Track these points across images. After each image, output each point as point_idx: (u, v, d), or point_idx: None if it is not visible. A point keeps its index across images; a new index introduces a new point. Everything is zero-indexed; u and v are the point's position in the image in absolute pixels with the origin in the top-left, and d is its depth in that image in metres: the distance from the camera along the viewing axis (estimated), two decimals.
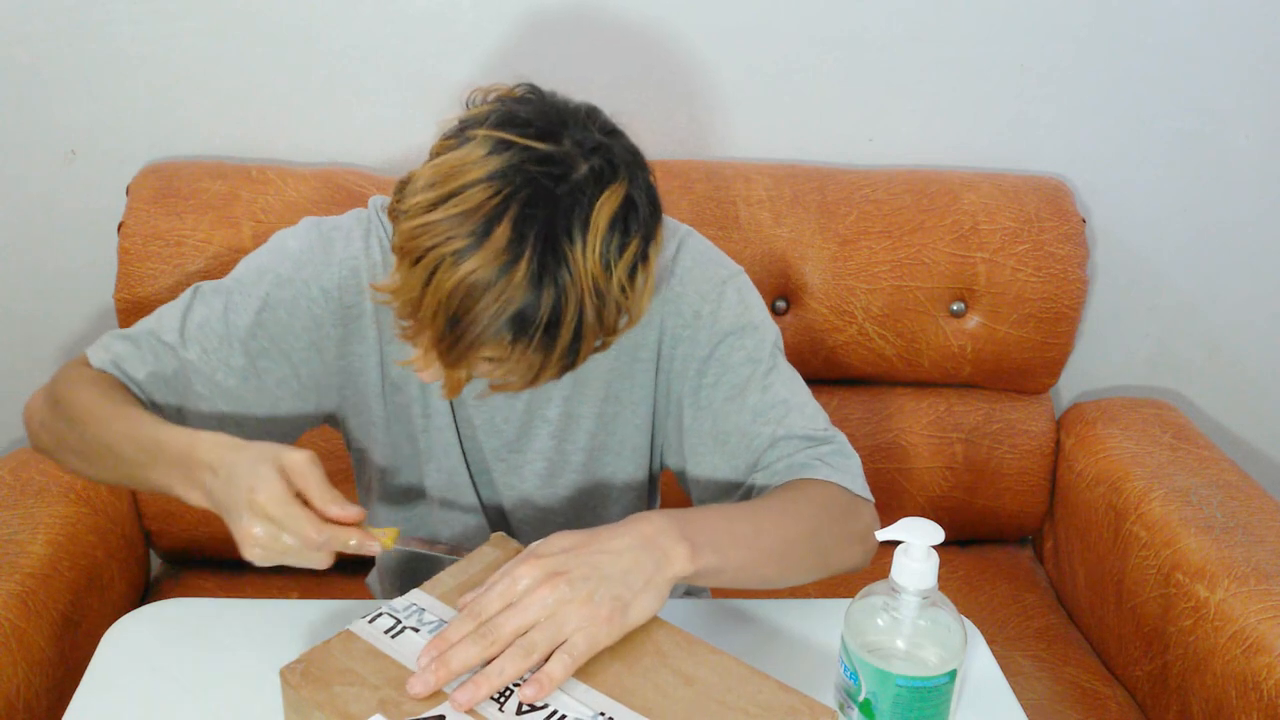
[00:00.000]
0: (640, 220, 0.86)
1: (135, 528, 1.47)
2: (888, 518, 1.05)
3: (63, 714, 0.88)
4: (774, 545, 0.89)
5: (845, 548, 0.96)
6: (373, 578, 1.31)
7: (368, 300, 1.01)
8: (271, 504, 0.79)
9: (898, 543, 0.85)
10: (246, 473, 0.80)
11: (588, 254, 0.82)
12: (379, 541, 0.84)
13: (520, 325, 0.82)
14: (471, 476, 1.09)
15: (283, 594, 1.47)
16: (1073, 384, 1.77)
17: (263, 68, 1.49)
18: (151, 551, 1.53)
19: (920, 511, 1.56)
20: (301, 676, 0.78)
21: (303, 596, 1.45)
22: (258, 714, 0.87)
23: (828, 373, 1.55)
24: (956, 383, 1.60)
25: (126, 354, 0.98)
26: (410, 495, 1.13)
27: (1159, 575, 1.35)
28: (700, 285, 1.02)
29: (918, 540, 0.84)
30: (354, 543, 0.82)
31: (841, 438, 1.02)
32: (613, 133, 0.88)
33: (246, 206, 1.41)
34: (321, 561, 0.83)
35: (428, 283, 0.81)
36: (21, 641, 1.14)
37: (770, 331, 1.04)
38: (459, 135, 0.85)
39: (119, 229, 1.41)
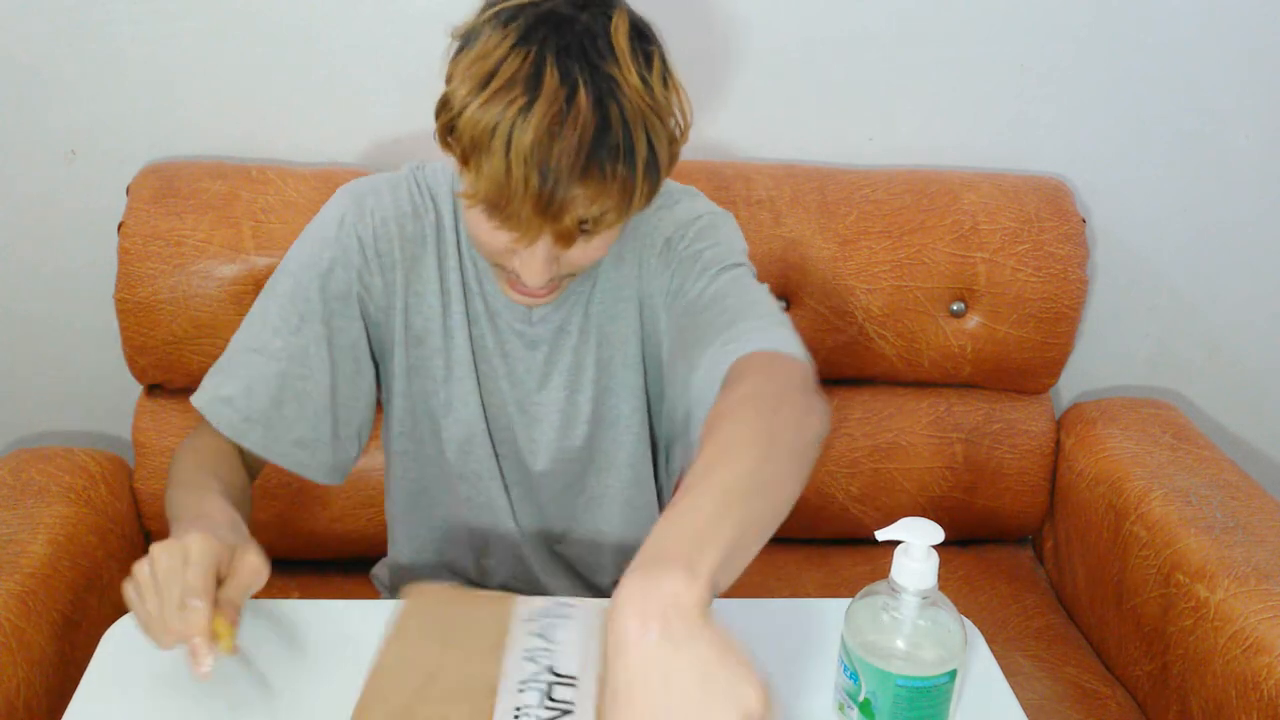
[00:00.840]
0: (648, 35, 0.93)
1: (135, 528, 1.47)
2: (888, 518, 1.05)
3: (63, 714, 0.88)
4: (742, 486, 0.75)
5: (812, 417, 0.85)
6: (380, 568, 1.31)
7: (397, 249, 1.05)
8: (196, 546, 0.80)
9: (898, 543, 0.85)
10: (209, 536, 0.82)
11: (626, 73, 0.87)
12: (212, 657, 0.79)
13: (605, 149, 0.86)
14: (489, 426, 1.11)
15: (283, 594, 1.46)
16: (1073, 384, 1.77)
17: (263, 68, 1.49)
18: None
19: (920, 511, 1.56)
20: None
21: (303, 596, 1.45)
22: (258, 714, 0.87)
23: (828, 373, 1.55)
24: (956, 383, 1.60)
25: (224, 386, 1.04)
26: (427, 456, 1.14)
27: (1159, 575, 1.35)
28: (675, 220, 1.06)
29: (918, 540, 0.84)
30: (197, 640, 0.78)
31: (779, 315, 0.98)
32: None
33: (246, 206, 1.41)
34: (164, 635, 0.79)
35: (507, 154, 0.85)
36: (21, 641, 1.14)
37: (733, 255, 1.03)
38: (466, 40, 0.90)
39: (119, 229, 1.41)
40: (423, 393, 1.11)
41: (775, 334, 0.93)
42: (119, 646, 0.95)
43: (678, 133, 0.93)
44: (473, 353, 1.08)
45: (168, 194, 1.41)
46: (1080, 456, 1.57)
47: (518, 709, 0.77)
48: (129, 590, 0.81)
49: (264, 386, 1.03)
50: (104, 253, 1.45)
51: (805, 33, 1.53)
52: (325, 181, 1.43)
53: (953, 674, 0.85)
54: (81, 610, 1.27)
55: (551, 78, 0.85)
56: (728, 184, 1.49)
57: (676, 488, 1.01)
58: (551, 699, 0.79)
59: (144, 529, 1.49)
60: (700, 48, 1.53)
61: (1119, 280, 1.71)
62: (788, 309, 1.51)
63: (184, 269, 1.39)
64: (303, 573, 1.51)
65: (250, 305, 1.39)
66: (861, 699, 0.86)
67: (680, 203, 1.08)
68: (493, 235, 0.92)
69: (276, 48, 1.48)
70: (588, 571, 1.22)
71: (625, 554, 1.19)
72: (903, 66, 1.57)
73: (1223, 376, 1.79)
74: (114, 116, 1.50)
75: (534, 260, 0.93)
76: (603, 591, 1.22)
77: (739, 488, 0.74)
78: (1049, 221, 1.52)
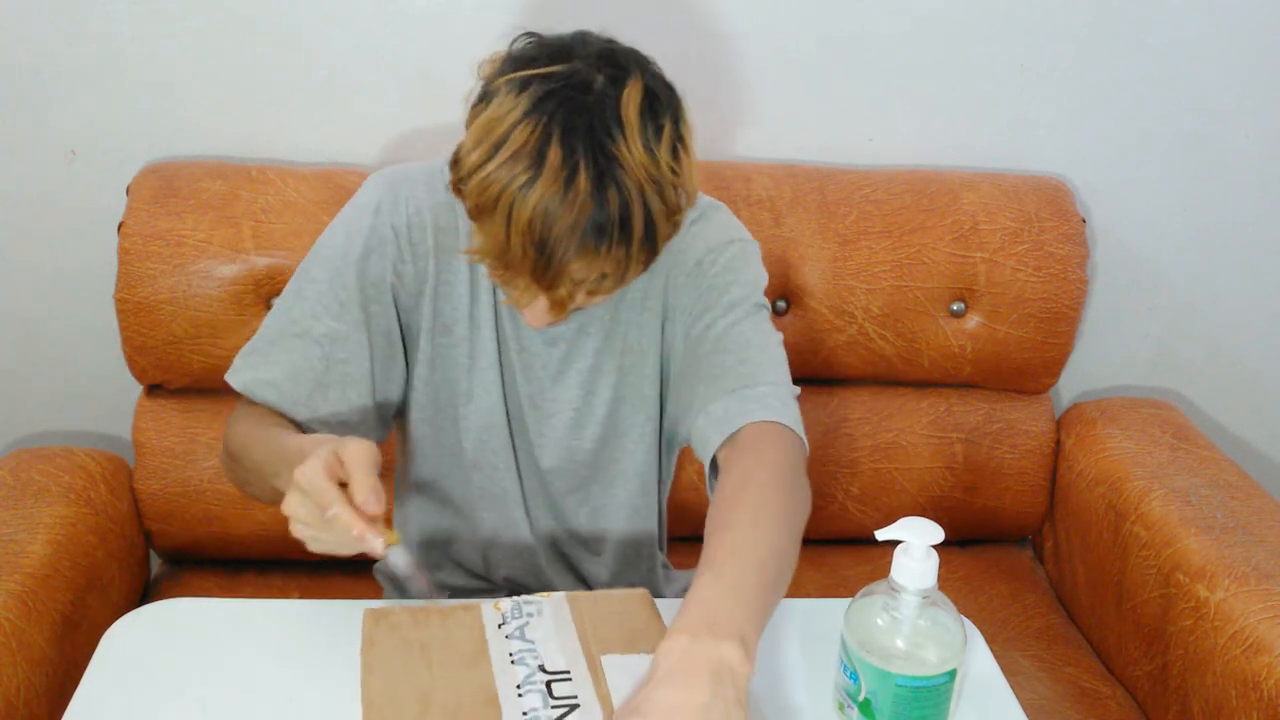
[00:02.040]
0: (664, 104, 0.93)
1: (135, 528, 1.47)
2: (888, 518, 1.05)
3: (63, 714, 0.88)
4: (778, 565, 0.87)
5: (805, 502, 0.95)
6: (383, 565, 1.31)
7: (430, 238, 1.07)
8: (304, 477, 0.83)
9: (898, 543, 0.85)
10: (309, 456, 0.84)
11: (632, 148, 0.89)
12: (382, 540, 0.84)
13: (599, 230, 0.89)
14: (508, 418, 1.13)
15: (283, 594, 1.47)
16: (1073, 384, 1.77)
17: (263, 68, 1.49)
18: (151, 551, 1.53)
19: (920, 511, 1.55)
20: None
21: (303, 596, 1.45)
22: (258, 714, 0.88)
23: (828, 373, 1.55)
24: (956, 383, 1.60)
25: (262, 368, 1.05)
26: (444, 446, 1.15)
27: (1159, 575, 1.35)
28: (707, 241, 1.09)
29: (918, 540, 0.84)
30: (355, 532, 0.83)
31: (788, 383, 1.04)
32: (610, 42, 0.96)
33: (246, 206, 1.41)
34: (346, 548, 0.85)
35: (508, 224, 0.89)
36: (21, 641, 1.14)
37: (757, 294, 1.09)
38: (484, 97, 0.93)
39: (119, 229, 1.41)
40: (446, 380, 1.12)
41: (790, 409, 1.00)
42: (119, 646, 0.95)
43: (682, 202, 0.95)
44: (498, 344, 1.10)
45: (168, 194, 1.41)
46: (1080, 456, 1.57)
47: (525, 713, 0.78)
48: (292, 524, 0.85)
49: (309, 371, 1.05)
50: (104, 253, 1.45)
51: (805, 33, 1.53)
52: (325, 181, 1.43)
53: (953, 674, 0.85)
54: (81, 610, 1.27)
55: (555, 155, 0.87)
56: (728, 184, 1.49)
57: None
58: (554, 696, 0.80)
59: (144, 529, 1.49)
60: (700, 48, 1.53)
61: (1119, 280, 1.71)
62: (788, 309, 1.51)
63: (184, 269, 1.39)
64: (303, 573, 1.51)
65: (250, 305, 1.41)
66: (861, 699, 0.86)
67: (711, 220, 1.11)
68: (496, 278, 0.97)
69: (276, 48, 1.48)
70: (584, 568, 1.22)
71: (623, 556, 1.20)
72: (903, 66, 1.57)
73: (1223, 376, 1.79)
74: (114, 116, 1.50)
75: (533, 312, 0.99)
76: (595, 587, 1.23)
77: (773, 565, 0.85)
78: (1049, 221, 1.52)
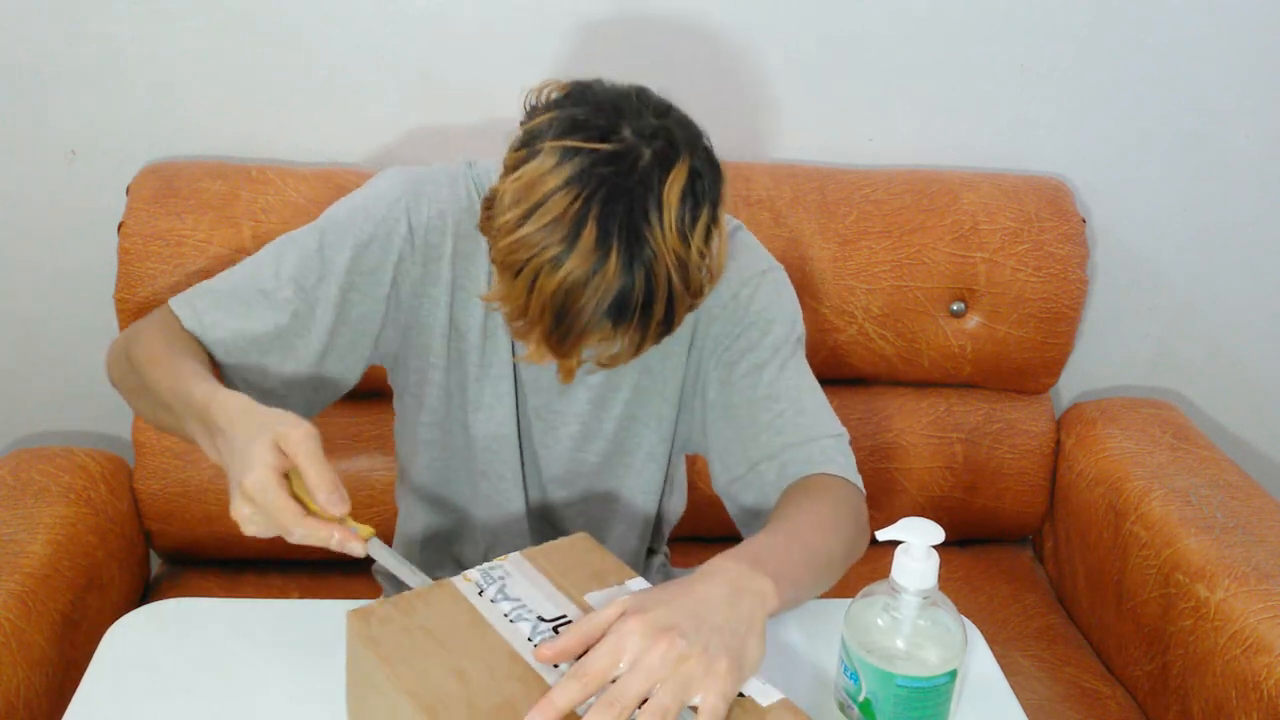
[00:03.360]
0: (706, 188, 0.92)
1: (135, 528, 1.47)
2: (888, 518, 1.05)
3: (63, 714, 0.88)
4: (823, 561, 0.92)
5: (861, 544, 1.00)
6: (381, 566, 1.31)
7: (449, 243, 1.06)
8: (256, 489, 0.81)
9: (898, 543, 0.85)
10: (243, 447, 0.82)
11: (666, 233, 0.88)
12: (359, 541, 0.84)
13: (620, 311, 0.88)
14: (518, 428, 1.12)
15: (283, 594, 1.47)
16: (1073, 384, 1.77)
17: (263, 68, 1.49)
18: (151, 551, 1.53)
19: (920, 511, 1.56)
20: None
21: (303, 596, 1.46)
22: (258, 714, 0.88)
23: (828, 373, 1.55)
24: (956, 383, 1.60)
25: (211, 311, 1.03)
26: (452, 449, 1.15)
27: (1159, 575, 1.35)
28: (742, 272, 1.09)
29: (918, 540, 0.84)
30: (335, 539, 0.83)
31: (845, 432, 1.08)
32: (666, 111, 0.94)
33: (246, 206, 1.41)
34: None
35: (531, 290, 0.88)
36: (21, 641, 1.14)
37: (797, 327, 1.11)
38: (529, 147, 0.91)
39: (119, 229, 1.41)
40: (459, 386, 1.12)
41: (852, 463, 1.06)
42: (119, 646, 0.95)
43: (705, 283, 0.94)
44: (513, 353, 1.10)
45: (168, 194, 1.41)
46: (1080, 456, 1.57)
47: None
48: (244, 525, 0.83)
49: (257, 331, 1.02)
50: (104, 253, 1.45)
51: (805, 33, 1.53)
52: (325, 181, 1.43)
53: (953, 674, 0.85)
54: (81, 610, 1.27)
55: (590, 233, 0.86)
56: (728, 184, 1.48)
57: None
58: None
59: (144, 529, 1.49)
60: (701, 48, 1.53)
61: (1119, 280, 1.71)
62: None
63: (184, 269, 1.39)
64: (303, 573, 1.51)
65: None
66: (862, 699, 0.86)
67: (739, 245, 1.11)
68: (509, 326, 0.96)
69: (276, 48, 1.48)
70: None
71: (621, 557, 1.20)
72: (903, 66, 1.57)
73: (1223, 376, 1.79)
74: (114, 116, 1.50)
75: (537, 357, 0.96)
76: None
77: (822, 559, 0.92)
78: (1049, 221, 1.52)
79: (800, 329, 1.11)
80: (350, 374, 1.09)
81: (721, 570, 0.82)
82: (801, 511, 0.96)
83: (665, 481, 1.20)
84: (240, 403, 0.87)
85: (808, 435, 1.04)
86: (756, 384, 1.06)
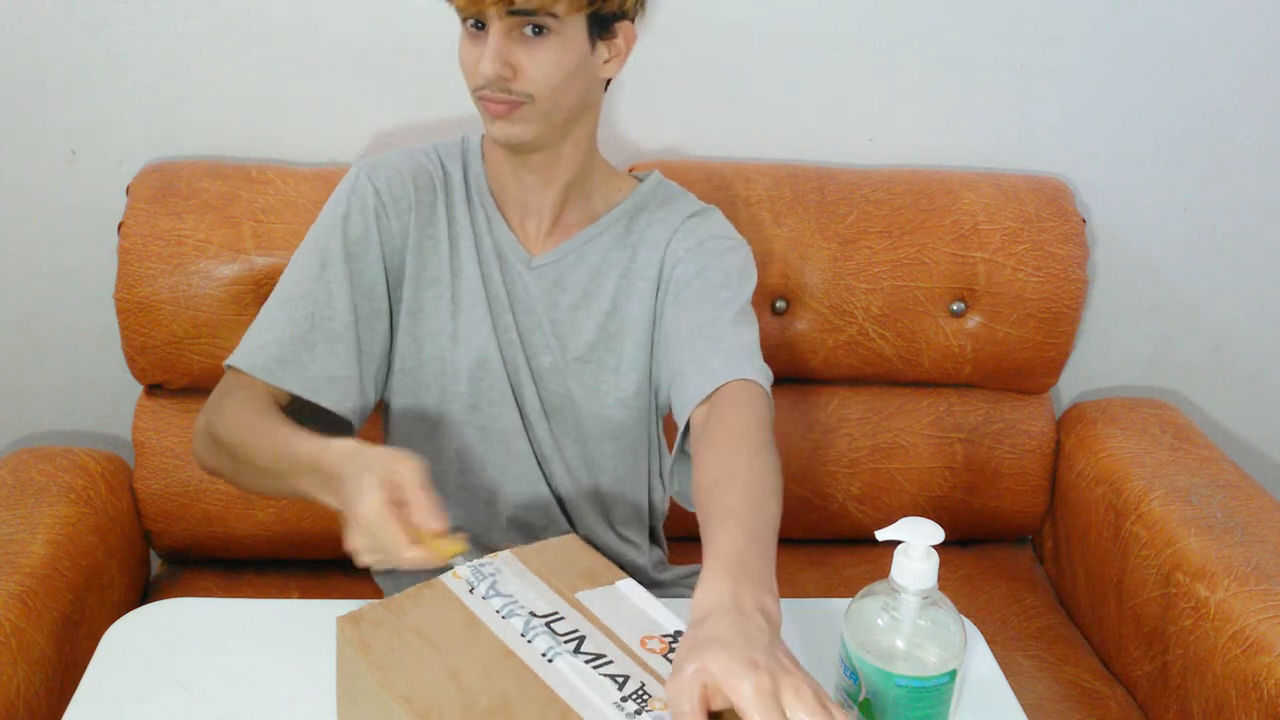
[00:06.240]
0: None
1: (135, 528, 1.47)
2: (888, 517, 1.05)
3: (62, 714, 0.88)
4: (771, 532, 0.90)
5: (778, 462, 1.00)
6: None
7: (410, 194, 1.15)
8: (369, 519, 0.84)
9: (898, 542, 0.85)
10: (353, 484, 0.86)
11: None
12: (460, 555, 0.87)
13: None
14: (501, 352, 1.16)
15: (283, 594, 1.47)
16: (1073, 384, 1.77)
17: (263, 68, 1.49)
18: (151, 551, 1.53)
19: (920, 511, 1.56)
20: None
21: (303, 596, 1.46)
22: (257, 714, 0.88)
23: (828, 373, 1.55)
24: (956, 383, 1.60)
25: (260, 352, 1.08)
26: (428, 399, 1.18)
27: (1159, 575, 1.35)
28: (714, 230, 1.18)
29: (918, 540, 0.84)
30: (438, 564, 0.85)
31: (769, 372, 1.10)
32: None
33: (246, 206, 1.41)
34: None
35: None
36: (21, 641, 1.14)
37: (746, 293, 1.15)
38: None
39: (119, 229, 1.41)
40: (430, 334, 1.16)
41: (760, 368, 1.07)
42: (119, 646, 0.95)
43: None
44: (483, 283, 1.16)
45: (168, 194, 1.41)
46: (1080, 456, 1.57)
47: (543, 654, 0.79)
48: (360, 556, 0.87)
49: (296, 329, 1.09)
50: (104, 253, 1.45)
51: (805, 33, 1.53)
52: (325, 181, 1.43)
53: (953, 674, 0.85)
54: (81, 610, 1.27)
55: None
56: (728, 184, 1.49)
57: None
58: (558, 634, 0.81)
59: (144, 529, 1.49)
60: (700, 47, 1.53)
61: (1119, 280, 1.71)
62: (787, 309, 1.51)
63: (184, 269, 1.39)
64: (303, 573, 1.51)
65: (250, 305, 1.41)
66: (862, 699, 0.86)
67: (711, 216, 1.20)
68: (469, 53, 1.05)
69: (277, 48, 1.48)
70: (576, 516, 1.23)
71: (608, 516, 1.23)
72: (903, 67, 1.57)
73: (1223, 376, 1.79)
74: (114, 116, 1.50)
75: (489, 49, 1.03)
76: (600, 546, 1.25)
77: (775, 518, 0.91)
78: (1049, 221, 1.52)
79: (749, 304, 1.15)
80: (383, 341, 1.15)
81: (732, 599, 0.79)
82: (740, 466, 0.95)
83: (652, 436, 1.22)
84: (348, 446, 0.91)
85: (730, 348, 1.08)
86: (698, 335, 1.10)
